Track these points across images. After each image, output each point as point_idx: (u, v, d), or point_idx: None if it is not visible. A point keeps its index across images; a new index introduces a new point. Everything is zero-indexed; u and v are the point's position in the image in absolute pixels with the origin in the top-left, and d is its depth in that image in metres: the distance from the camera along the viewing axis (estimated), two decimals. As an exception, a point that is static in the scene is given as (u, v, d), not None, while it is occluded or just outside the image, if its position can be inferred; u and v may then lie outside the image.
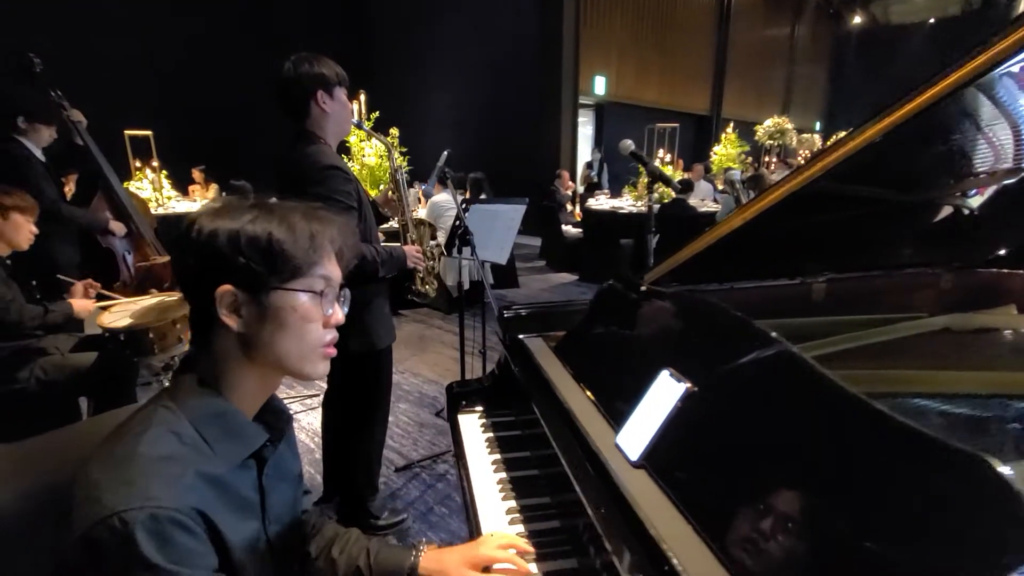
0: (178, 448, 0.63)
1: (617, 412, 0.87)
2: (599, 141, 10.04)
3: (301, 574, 0.92)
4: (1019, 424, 1.05)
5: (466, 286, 4.21)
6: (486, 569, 0.83)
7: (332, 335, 0.75)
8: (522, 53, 8.71)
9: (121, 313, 2.34)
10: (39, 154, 2.85)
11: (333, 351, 0.75)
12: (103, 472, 0.60)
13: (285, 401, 3.04)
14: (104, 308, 2.34)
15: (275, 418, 0.80)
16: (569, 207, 7.32)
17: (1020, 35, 0.77)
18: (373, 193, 2.97)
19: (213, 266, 0.67)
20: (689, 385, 0.77)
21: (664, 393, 0.79)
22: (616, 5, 9.44)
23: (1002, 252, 1.90)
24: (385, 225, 3.56)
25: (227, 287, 0.67)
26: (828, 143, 0.94)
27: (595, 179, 8.72)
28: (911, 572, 0.45)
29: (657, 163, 6.92)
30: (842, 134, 1.08)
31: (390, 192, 1.98)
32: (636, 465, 0.77)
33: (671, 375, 0.80)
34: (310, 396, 3.04)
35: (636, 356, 0.92)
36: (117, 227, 3.26)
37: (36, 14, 6.28)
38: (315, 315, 0.71)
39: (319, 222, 0.72)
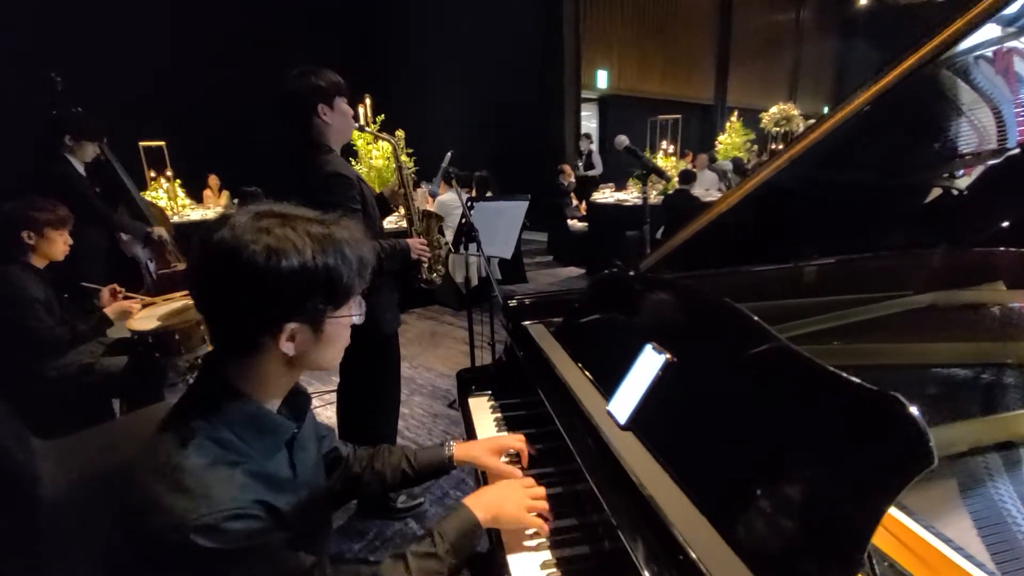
0: (221, 453, 0.68)
1: (608, 384, 0.96)
2: (603, 134, 10.08)
3: (351, 494, 1.08)
4: (987, 386, 1.13)
5: (474, 283, 4.32)
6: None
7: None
8: (523, 51, 8.78)
9: (149, 317, 2.46)
10: (82, 170, 2.98)
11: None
12: (158, 482, 0.64)
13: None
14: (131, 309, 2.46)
15: (297, 399, 0.85)
16: (574, 201, 7.36)
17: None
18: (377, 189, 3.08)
19: (276, 302, 0.68)
20: (668, 356, 0.86)
21: (648, 364, 0.88)
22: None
23: (993, 231, 1.95)
24: (393, 223, 3.65)
25: (293, 325, 0.70)
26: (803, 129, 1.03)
27: (580, 169, 8.42)
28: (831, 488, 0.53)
29: (660, 155, 6.97)
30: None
31: (396, 186, 2.09)
32: (624, 428, 0.86)
33: (654, 348, 0.89)
34: (328, 391, 3.16)
35: (624, 334, 1.01)
36: (159, 231, 3.41)
37: (50, 32, 6.46)
38: (350, 326, 0.79)
39: (358, 245, 0.74)
